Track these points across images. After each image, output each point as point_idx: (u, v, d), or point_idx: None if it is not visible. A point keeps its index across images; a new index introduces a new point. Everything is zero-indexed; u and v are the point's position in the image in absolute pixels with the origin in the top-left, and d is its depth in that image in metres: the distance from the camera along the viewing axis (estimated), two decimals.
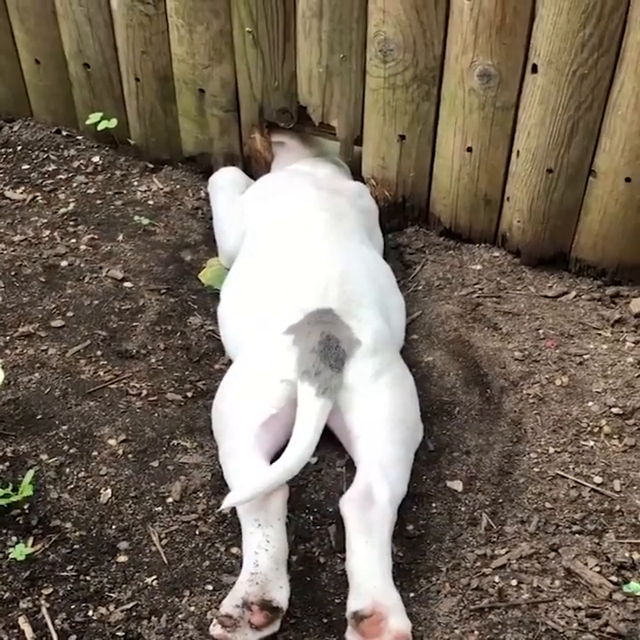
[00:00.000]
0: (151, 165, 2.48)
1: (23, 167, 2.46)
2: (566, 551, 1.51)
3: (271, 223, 2.00)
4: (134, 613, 1.38)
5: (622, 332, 1.97)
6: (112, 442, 1.66)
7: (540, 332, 1.96)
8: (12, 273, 2.06)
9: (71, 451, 1.63)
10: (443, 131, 2.07)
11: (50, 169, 2.45)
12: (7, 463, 1.57)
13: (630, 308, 2.03)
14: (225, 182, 2.31)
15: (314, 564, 1.49)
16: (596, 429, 1.73)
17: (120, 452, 1.64)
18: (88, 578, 1.43)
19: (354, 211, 2.06)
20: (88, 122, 2.45)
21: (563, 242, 2.10)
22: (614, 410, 1.76)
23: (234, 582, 1.39)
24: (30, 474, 1.48)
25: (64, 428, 1.68)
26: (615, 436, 1.71)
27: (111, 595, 1.41)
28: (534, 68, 1.87)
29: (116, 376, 1.81)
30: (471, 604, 1.44)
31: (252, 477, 1.47)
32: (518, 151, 2.00)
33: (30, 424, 1.68)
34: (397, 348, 1.85)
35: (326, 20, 2.00)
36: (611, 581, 1.46)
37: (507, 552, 1.52)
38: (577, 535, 1.54)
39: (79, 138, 2.54)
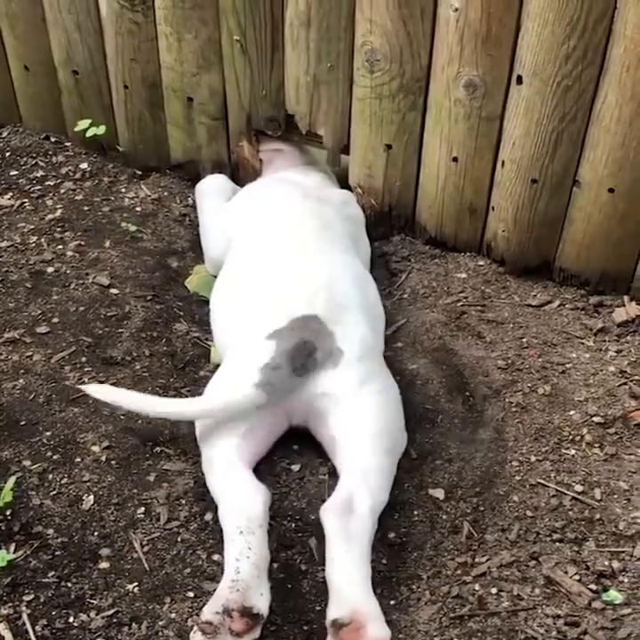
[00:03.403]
0: (139, 172, 2.49)
1: (11, 173, 2.46)
2: (546, 559, 1.52)
3: (258, 231, 2.00)
4: (115, 620, 1.38)
5: (605, 341, 1.99)
6: (95, 448, 1.66)
7: (524, 340, 1.98)
8: None
9: (54, 457, 1.63)
10: (429, 140, 2.08)
11: (38, 175, 2.45)
12: None
13: (613, 317, 2.04)
14: (211, 189, 2.32)
15: (295, 572, 1.50)
16: (578, 438, 1.74)
17: (103, 458, 1.64)
18: (69, 584, 1.43)
19: (340, 219, 2.07)
20: (77, 128, 2.45)
21: (547, 251, 2.12)
22: (596, 419, 1.77)
23: (215, 589, 1.39)
24: (11, 481, 1.48)
25: (47, 434, 1.67)
26: (596, 445, 1.72)
27: (92, 601, 1.41)
28: (519, 80, 1.89)
29: (100, 383, 1.81)
30: (451, 611, 1.45)
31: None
32: (503, 161, 2.02)
33: (14, 430, 1.67)
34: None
35: (314, 29, 2.02)
36: (590, 590, 1.47)
37: (487, 560, 1.53)
38: (557, 543, 1.55)
39: (68, 144, 2.55)
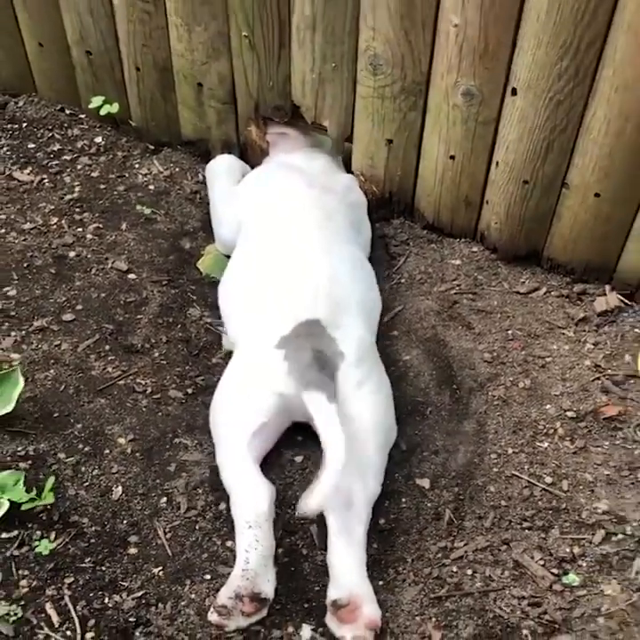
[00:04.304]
0: (151, 146, 2.58)
1: (29, 146, 2.55)
2: (516, 545, 1.71)
3: (264, 222, 2.12)
4: (144, 601, 1.60)
5: (584, 331, 2.14)
6: (122, 440, 1.84)
7: (510, 332, 2.13)
8: (25, 264, 2.19)
9: (85, 449, 1.81)
10: (428, 138, 2.19)
11: (55, 149, 2.55)
12: (29, 462, 1.76)
13: (594, 306, 2.19)
14: (221, 169, 2.42)
15: (297, 556, 1.70)
16: (551, 431, 1.92)
17: (129, 450, 1.82)
18: (103, 568, 1.64)
19: (343, 208, 2.18)
20: (91, 105, 2.53)
21: (536, 242, 2.26)
22: (569, 413, 1.94)
23: (229, 573, 1.60)
24: (51, 481, 1.67)
25: (79, 426, 1.85)
26: (567, 438, 1.91)
27: (123, 583, 1.62)
28: (514, 91, 1.98)
29: (123, 372, 1.98)
30: (431, 592, 1.65)
31: (315, 490, 1.58)
32: (497, 162, 2.13)
33: (48, 422, 1.85)
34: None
35: (319, 33, 2.09)
36: (552, 573, 1.67)
37: (465, 545, 1.72)
38: (526, 531, 1.73)
39: (82, 116, 2.63)
